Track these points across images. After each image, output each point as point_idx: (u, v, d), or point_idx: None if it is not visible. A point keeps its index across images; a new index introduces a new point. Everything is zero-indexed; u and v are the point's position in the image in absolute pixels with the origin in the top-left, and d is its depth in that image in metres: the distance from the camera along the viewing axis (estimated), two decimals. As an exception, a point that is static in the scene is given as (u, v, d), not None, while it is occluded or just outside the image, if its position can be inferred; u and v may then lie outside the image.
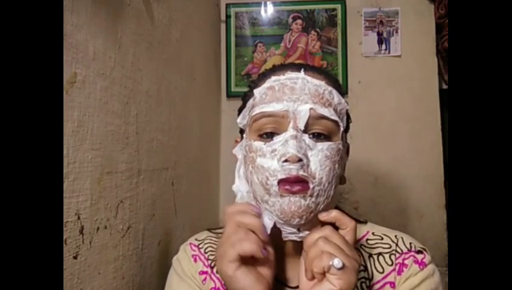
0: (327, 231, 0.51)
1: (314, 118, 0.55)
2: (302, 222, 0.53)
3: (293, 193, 0.52)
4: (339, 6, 1.52)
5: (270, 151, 0.54)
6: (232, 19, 1.55)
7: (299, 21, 1.53)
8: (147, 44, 0.84)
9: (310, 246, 0.51)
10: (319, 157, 0.53)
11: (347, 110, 0.63)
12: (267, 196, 0.54)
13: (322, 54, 1.52)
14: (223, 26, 1.56)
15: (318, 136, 0.55)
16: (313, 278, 0.51)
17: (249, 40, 1.55)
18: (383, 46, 1.50)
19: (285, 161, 0.52)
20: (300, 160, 0.52)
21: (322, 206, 0.54)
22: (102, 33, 0.66)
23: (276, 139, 0.55)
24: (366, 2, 1.52)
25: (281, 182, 0.53)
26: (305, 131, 0.54)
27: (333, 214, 0.53)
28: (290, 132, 0.53)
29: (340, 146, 0.57)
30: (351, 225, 0.53)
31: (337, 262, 0.47)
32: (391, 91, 1.49)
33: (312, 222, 0.55)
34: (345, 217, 0.54)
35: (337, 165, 0.55)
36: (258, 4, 1.55)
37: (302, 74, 0.57)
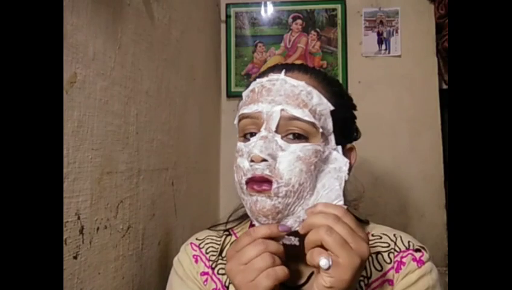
0: (331, 219, 0.49)
1: (286, 119, 0.55)
2: (270, 221, 0.54)
3: (258, 191, 0.54)
4: (339, 6, 1.52)
5: (247, 151, 0.56)
6: (232, 19, 1.55)
7: (299, 21, 1.53)
8: (147, 44, 0.84)
9: (310, 228, 0.50)
10: (289, 158, 0.53)
11: (351, 113, 0.64)
12: (242, 194, 0.57)
13: (322, 54, 1.52)
14: (223, 26, 1.55)
15: (299, 137, 0.55)
16: None
17: (249, 40, 1.55)
18: (383, 46, 1.50)
19: (252, 160, 0.54)
20: (264, 160, 0.53)
21: (294, 207, 0.54)
22: (102, 33, 0.66)
23: (252, 140, 0.56)
24: (366, 2, 1.52)
25: (249, 181, 0.55)
26: (279, 132, 0.55)
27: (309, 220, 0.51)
28: (262, 132, 0.55)
29: (320, 148, 0.55)
30: (340, 211, 0.50)
31: (324, 263, 0.46)
32: (391, 91, 1.49)
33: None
34: (328, 206, 0.51)
35: (312, 167, 0.54)
36: (258, 4, 1.55)
37: (282, 75, 0.58)
